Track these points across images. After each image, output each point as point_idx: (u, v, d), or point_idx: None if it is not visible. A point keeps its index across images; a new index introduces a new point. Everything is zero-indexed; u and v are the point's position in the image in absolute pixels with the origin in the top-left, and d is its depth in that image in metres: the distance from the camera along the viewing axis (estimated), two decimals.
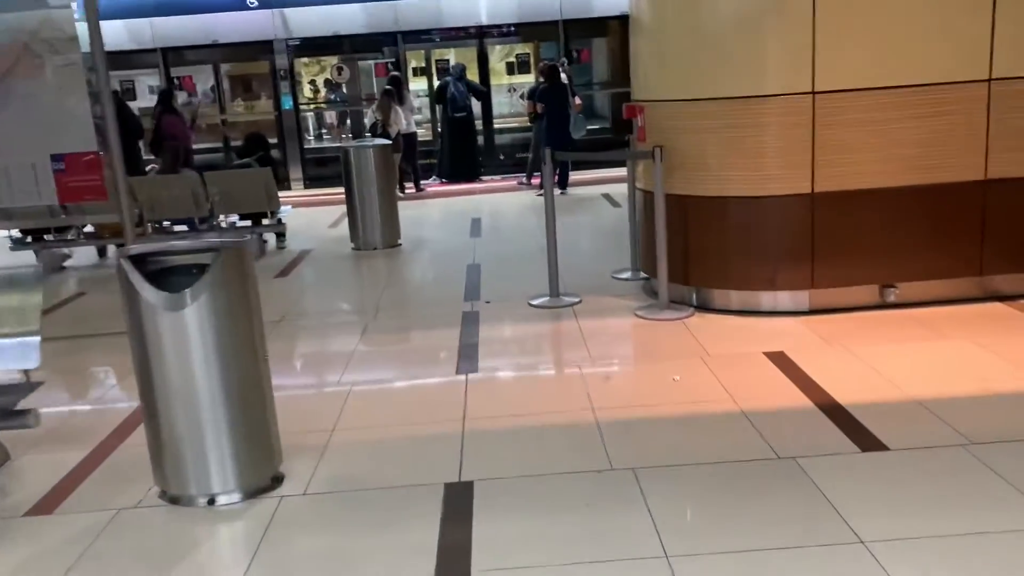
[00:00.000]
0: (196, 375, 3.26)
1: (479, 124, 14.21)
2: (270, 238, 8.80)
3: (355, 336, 5.51)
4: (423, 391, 4.58)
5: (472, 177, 13.32)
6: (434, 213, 10.58)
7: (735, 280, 5.40)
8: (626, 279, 6.51)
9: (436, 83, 13.76)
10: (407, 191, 12.39)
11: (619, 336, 5.33)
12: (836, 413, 3.85)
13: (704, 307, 5.54)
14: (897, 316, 5.16)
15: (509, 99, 16.05)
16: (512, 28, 13.88)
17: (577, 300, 5.95)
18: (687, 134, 5.37)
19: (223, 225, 8.20)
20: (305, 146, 14.14)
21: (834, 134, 5.05)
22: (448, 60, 14.06)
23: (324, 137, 17.47)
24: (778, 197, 5.19)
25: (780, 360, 4.54)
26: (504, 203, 11.31)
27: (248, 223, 8.35)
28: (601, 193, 11.16)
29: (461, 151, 13.17)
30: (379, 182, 8.35)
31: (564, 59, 12.83)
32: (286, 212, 8.59)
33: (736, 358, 4.63)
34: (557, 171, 11.60)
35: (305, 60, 15.11)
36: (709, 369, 4.48)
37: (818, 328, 5.02)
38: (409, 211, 10.53)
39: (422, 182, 12.71)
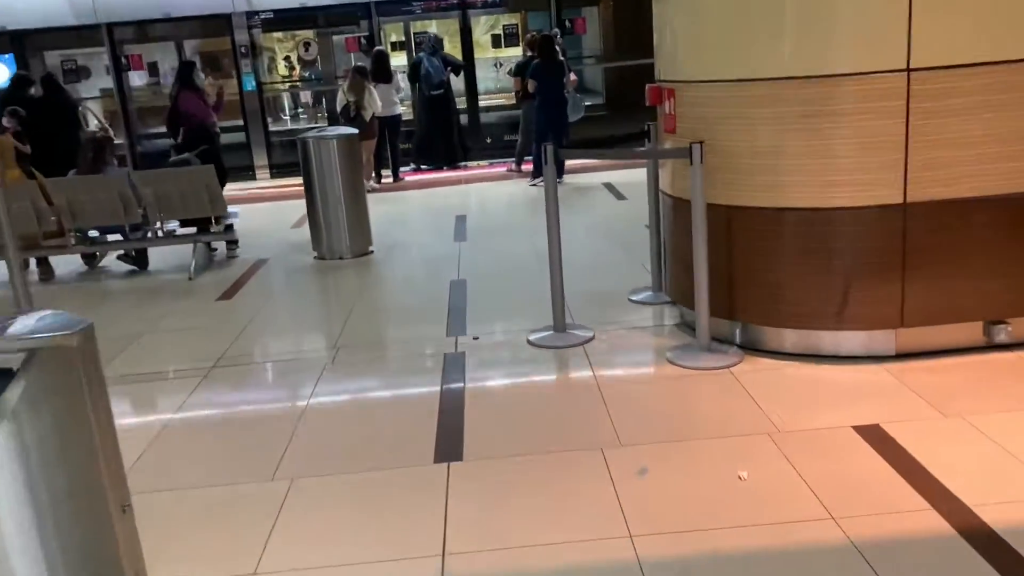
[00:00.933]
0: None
1: (462, 104, 12.89)
2: (221, 245, 7.50)
3: (303, 393, 4.24)
4: (387, 498, 3.27)
5: (452, 162, 12.01)
6: (413, 208, 9.28)
7: (793, 315, 4.16)
8: (646, 302, 5.27)
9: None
10: (384, 180, 11.08)
11: (650, 396, 4.04)
12: (984, 542, 2.64)
13: (751, 347, 4.31)
14: (1014, 363, 3.94)
15: (496, 75, 14.73)
16: None
17: (589, 335, 4.70)
18: (733, 126, 4.11)
19: (160, 233, 6.88)
20: (271, 130, 12.76)
21: (936, 125, 3.79)
22: (427, 33, 12.67)
23: (301, 117, 16.18)
24: (856, 209, 3.94)
25: (879, 440, 3.31)
26: (493, 194, 10.02)
27: (193, 230, 7.03)
28: (602, 182, 9.88)
29: (439, 133, 11.84)
30: (345, 179, 7.03)
31: (556, 30, 11.50)
32: (233, 217, 7.28)
33: (817, 437, 3.39)
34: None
35: (271, 35, 13.71)
36: (784, 457, 3.24)
37: (915, 382, 3.79)
38: (384, 206, 9.23)
39: (401, 170, 11.41)
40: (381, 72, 10.65)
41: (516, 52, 13.14)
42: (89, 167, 6.83)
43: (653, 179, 5.24)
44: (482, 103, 13.29)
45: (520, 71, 10.53)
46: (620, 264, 6.28)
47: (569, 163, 10.51)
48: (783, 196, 4.05)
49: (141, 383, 4.70)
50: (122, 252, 7.18)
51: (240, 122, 12.42)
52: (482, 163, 12.34)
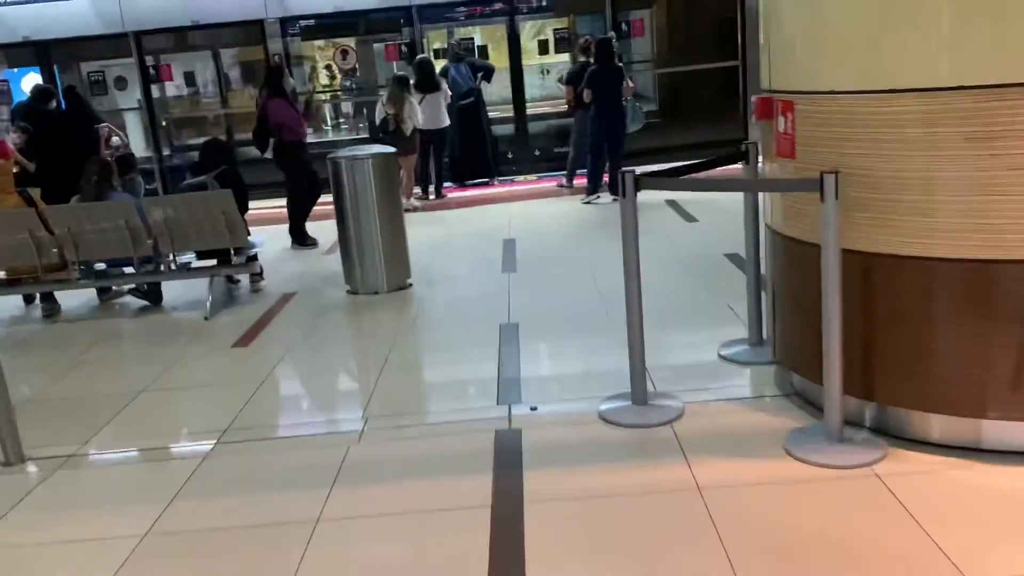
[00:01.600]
0: None
1: (503, 113, 12.02)
2: (245, 277, 6.70)
3: (318, 494, 3.35)
4: None
5: (487, 177, 11.15)
6: (455, 231, 8.40)
7: (948, 397, 3.18)
8: (743, 361, 4.31)
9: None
10: (429, 197, 10.25)
11: (772, 510, 3.01)
12: None
13: (887, 432, 3.34)
14: None
15: (541, 81, 13.86)
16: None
17: (677, 409, 3.77)
18: (878, 150, 3.15)
19: (173, 267, 6.09)
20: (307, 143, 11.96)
21: None
22: (472, 40, 11.85)
23: (342, 127, 15.51)
24: None
25: None
26: (543, 213, 9.11)
27: (213, 261, 6.23)
28: (665, 199, 8.92)
29: (471, 146, 10.97)
30: (381, 206, 6.18)
31: (612, 33, 10.58)
32: (258, 245, 6.48)
33: None
34: (607, 171, 9.40)
35: (307, 43, 13.00)
36: None
37: None
38: (424, 228, 8.38)
39: (444, 185, 10.58)
40: (426, 81, 9.82)
41: (564, 58, 12.28)
42: (93, 192, 6.07)
43: (751, 209, 4.29)
44: (530, 111, 12.41)
45: (573, 79, 9.64)
46: (702, 306, 5.33)
47: None
48: (939, 243, 3.08)
49: (125, 467, 3.88)
50: (133, 286, 6.42)
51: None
52: (530, 177, 11.46)
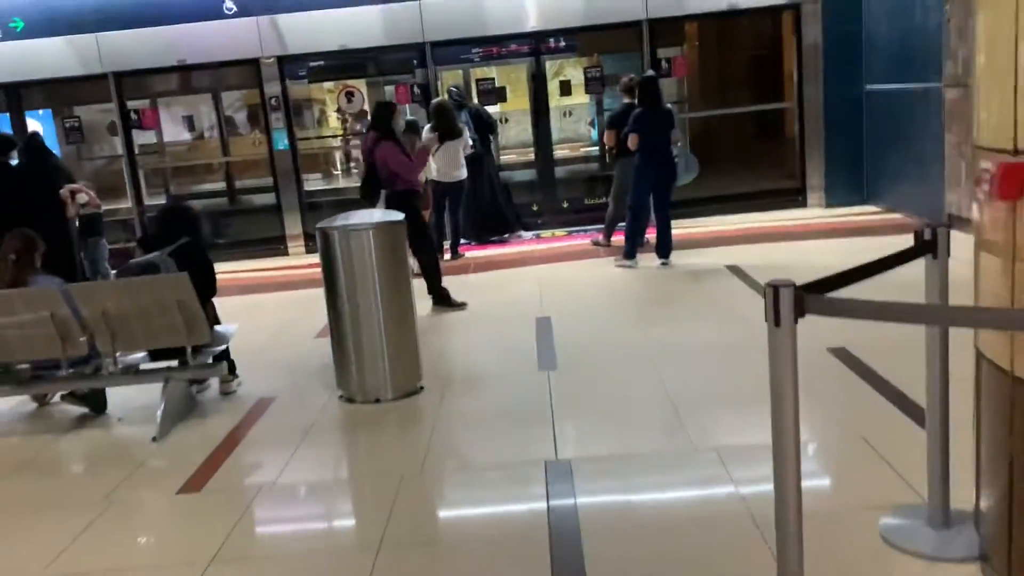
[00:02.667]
0: None
1: (534, 159, 10.73)
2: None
3: None
4: None
5: (505, 230, 9.81)
6: (475, 304, 6.99)
7: None
8: (922, 553, 2.85)
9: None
10: (444, 258, 8.89)
11: None
12: None
13: None
14: None
15: (571, 124, 12.61)
16: (574, 35, 10.36)
17: None
18: None
19: (113, 369, 4.69)
20: (307, 191, 10.67)
21: None
22: (492, 80, 10.56)
23: (352, 174, 14.34)
24: None
25: None
26: (577, 280, 7.69)
27: (174, 362, 4.83)
28: (725, 264, 7.52)
29: (477, 202, 9.62)
30: (385, 288, 4.79)
31: (652, 72, 9.26)
32: (230, 335, 5.10)
33: None
34: (653, 226, 8.02)
35: (309, 85, 11.80)
36: None
37: None
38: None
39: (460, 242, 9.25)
40: (443, 127, 8.48)
41: (581, 100, 11.04)
42: (11, 275, 4.70)
43: (939, 343, 2.83)
44: (558, 156, 11.10)
45: (616, 122, 8.29)
46: (823, 440, 3.87)
47: (679, 231, 8.21)
48: None
49: None
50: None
51: (268, 186, 10.41)
52: (558, 232, 10.09)
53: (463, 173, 8.76)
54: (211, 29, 9.78)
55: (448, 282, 7.07)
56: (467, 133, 8.91)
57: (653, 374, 4.84)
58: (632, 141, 7.66)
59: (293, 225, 10.26)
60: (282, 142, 10.11)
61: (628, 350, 5.40)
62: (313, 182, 12.68)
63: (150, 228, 4.91)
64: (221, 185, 11.99)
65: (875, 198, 9.70)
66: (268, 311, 7.47)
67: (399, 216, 4.98)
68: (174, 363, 4.79)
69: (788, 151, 10.64)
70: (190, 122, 12.23)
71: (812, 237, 8.55)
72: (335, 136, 14.52)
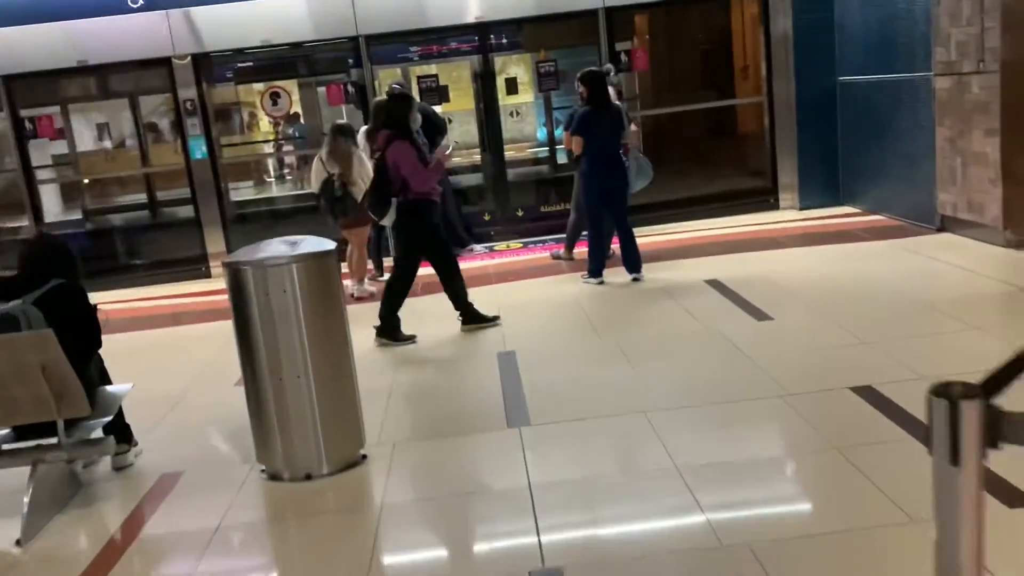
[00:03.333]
0: None
1: (485, 166, 9.83)
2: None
3: None
4: None
5: (457, 245, 8.86)
6: (426, 335, 6.04)
7: None
8: None
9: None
10: (378, 280, 7.92)
11: None
12: None
13: None
14: None
15: (519, 124, 11.72)
16: (524, 27, 9.48)
17: None
18: None
19: None
20: (235, 201, 9.57)
21: None
22: (435, 77, 9.58)
23: (286, 180, 13.31)
24: None
25: None
26: (541, 302, 6.79)
27: (52, 439, 3.77)
28: (704, 279, 6.71)
29: None
30: (313, 336, 3.82)
31: (610, 65, 8.42)
32: (121, 394, 4.07)
33: None
34: (614, 240, 7.18)
35: (232, 86, 10.70)
36: None
37: None
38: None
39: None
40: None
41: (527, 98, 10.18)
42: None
43: None
44: (509, 158, 10.18)
45: (578, 124, 7.42)
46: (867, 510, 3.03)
47: (645, 240, 7.39)
48: None
49: None
50: None
51: (186, 199, 9.29)
52: (513, 244, 9.19)
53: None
54: (115, 25, 8.64)
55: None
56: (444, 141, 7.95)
57: (650, 432, 3.96)
58: (575, 144, 6.78)
59: (215, 242, 9.16)
60: (199, 150, 9.00)
61: (614, 395, 4.51)
62: (244, 191, 11.62)
63: (17, 268, 3.80)
64: (142, 197, 10.79)
65: (851, 198, 9.01)
66: (182, 349, 6.42)
67: (328, 245, 4.00)
68: (50, 440, 3.75)
69: (757, 148, 9.90)
70: (106, 130, 11.00)
71: (791, 244, 7.79)
72: (267, 141, 13.44)
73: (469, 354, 5.58)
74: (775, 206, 9.41)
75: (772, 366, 4.61)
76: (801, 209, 9.20)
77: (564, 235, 8.07)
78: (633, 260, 7.00)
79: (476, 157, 10.33)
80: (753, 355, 4.83)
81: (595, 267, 7.05)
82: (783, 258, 7.33)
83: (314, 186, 7.39)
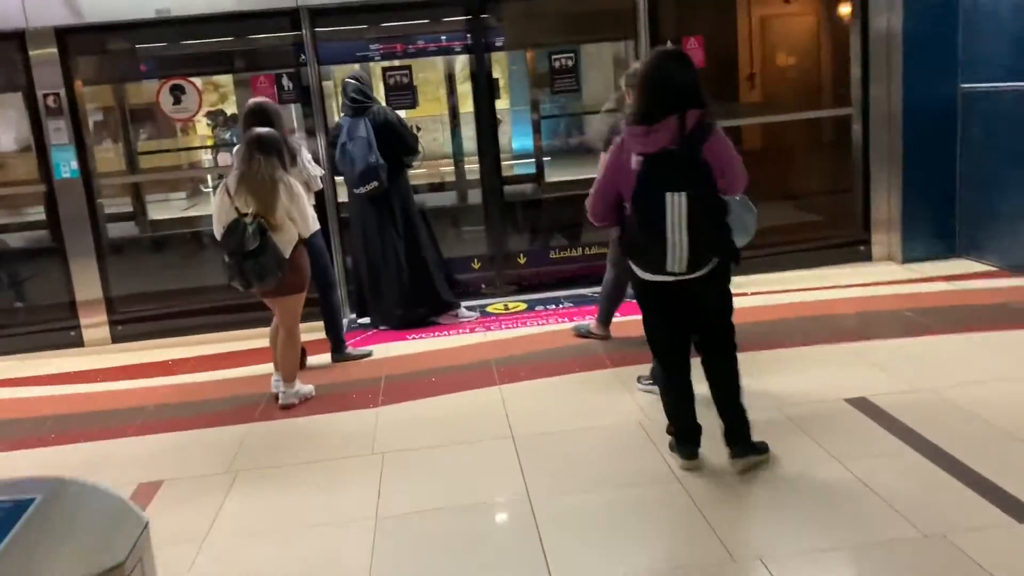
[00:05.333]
0: None
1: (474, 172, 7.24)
2: None
3: None
4: None
5: (435, 311, 6.21)
6: (391, 493, 3.35)
7: None
8: None
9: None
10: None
11: None
12: None
13: None
14: None
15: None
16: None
17: None
18: None
19: None
20: (109, 241, 6.79)
21: None
22: (407, 70, 6.86)
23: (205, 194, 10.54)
24: None
25: None
26: (581, 431, 4.10)
27: None
28: (844, 399, 4.13)
29: (381, 267, 6.10)
30: None
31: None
32: None
33: None
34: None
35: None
36: None
37: None
38: (311, 473, 3.27)
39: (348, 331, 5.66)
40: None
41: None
42: None
43: None
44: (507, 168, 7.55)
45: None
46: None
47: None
48: None
49: None
50: None
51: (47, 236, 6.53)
52: (512, 304, 6.56)
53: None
54: None
55: (323, 424, 3.43)
56: (309, 164, 5.26)
57: None
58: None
59: (87, 287, 6.38)
60: (67, 166, 6.23)
61: None
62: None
63: None
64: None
65: (974, 250, 6.57)
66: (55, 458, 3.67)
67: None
68: None
69: (840, 177, 7.38)
70: None
71: (936, 324, 5.24)
72: (204, 147, 10.61)
73: (466, 543, 2.93)
74: (865, 256, 6.92)
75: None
76: (904, 262, 6.72)
77: (591, 291, 5.47)
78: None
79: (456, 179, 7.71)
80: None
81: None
82: (943, 352, 4.75)
83: (216, 231, 4.68)
